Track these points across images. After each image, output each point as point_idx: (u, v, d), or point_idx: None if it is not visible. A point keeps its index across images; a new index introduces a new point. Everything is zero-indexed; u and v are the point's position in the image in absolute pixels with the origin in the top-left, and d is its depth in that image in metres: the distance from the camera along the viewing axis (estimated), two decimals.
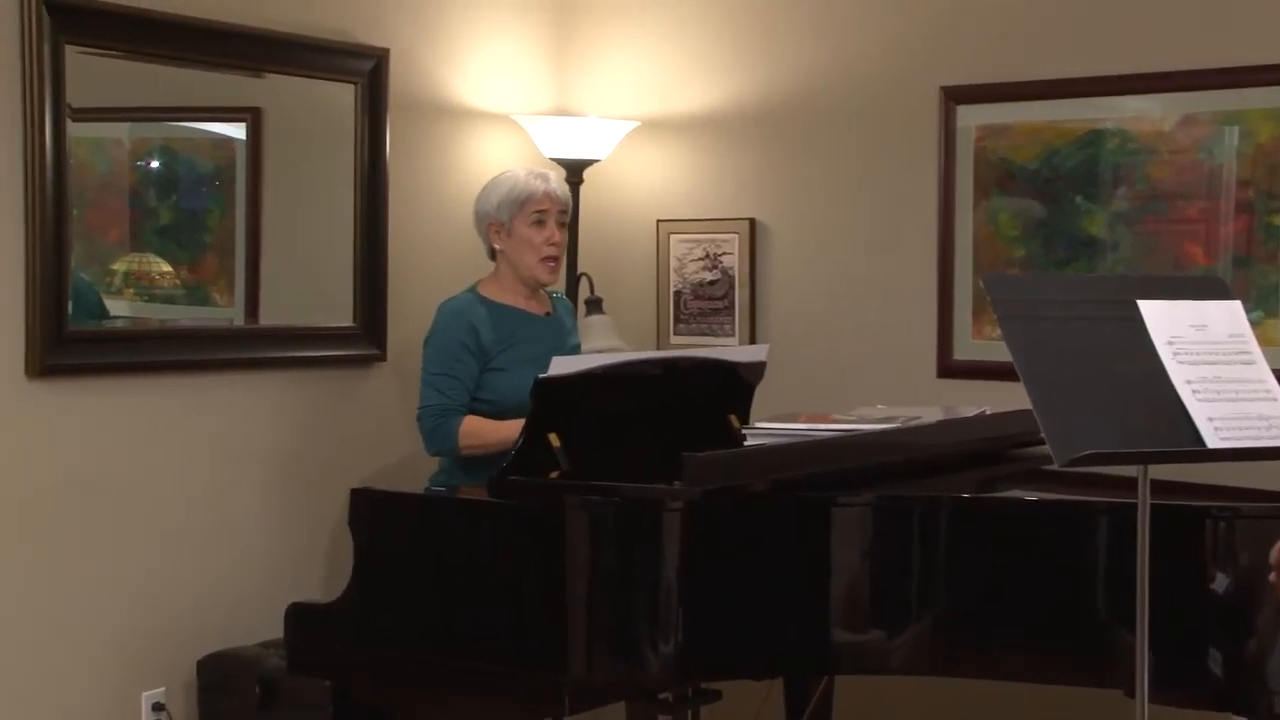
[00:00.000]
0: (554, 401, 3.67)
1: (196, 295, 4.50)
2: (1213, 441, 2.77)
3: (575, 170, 5.09)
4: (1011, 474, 4.07)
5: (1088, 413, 2.77)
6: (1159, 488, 2.95)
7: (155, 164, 4.49)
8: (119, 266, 4.35)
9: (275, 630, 3.99)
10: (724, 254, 5.19)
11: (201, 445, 4.45)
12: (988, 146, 4.73)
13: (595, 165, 5.20)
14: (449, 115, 5.11)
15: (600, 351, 4.67)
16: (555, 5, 5.44)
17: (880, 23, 4.93)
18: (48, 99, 4.00)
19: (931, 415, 4.16)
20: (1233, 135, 4.37)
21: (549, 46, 5.44)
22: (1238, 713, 3.41)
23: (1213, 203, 4.41)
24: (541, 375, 3.69)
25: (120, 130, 4.38)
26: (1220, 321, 2.97)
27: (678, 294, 5.30)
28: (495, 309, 4.28)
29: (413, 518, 3.81)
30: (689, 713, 3.98)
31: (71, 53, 4.05)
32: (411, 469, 4.64)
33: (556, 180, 4.36)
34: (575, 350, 4.48)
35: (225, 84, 4.51)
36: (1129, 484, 2.95)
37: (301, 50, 4.62)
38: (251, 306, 4.60)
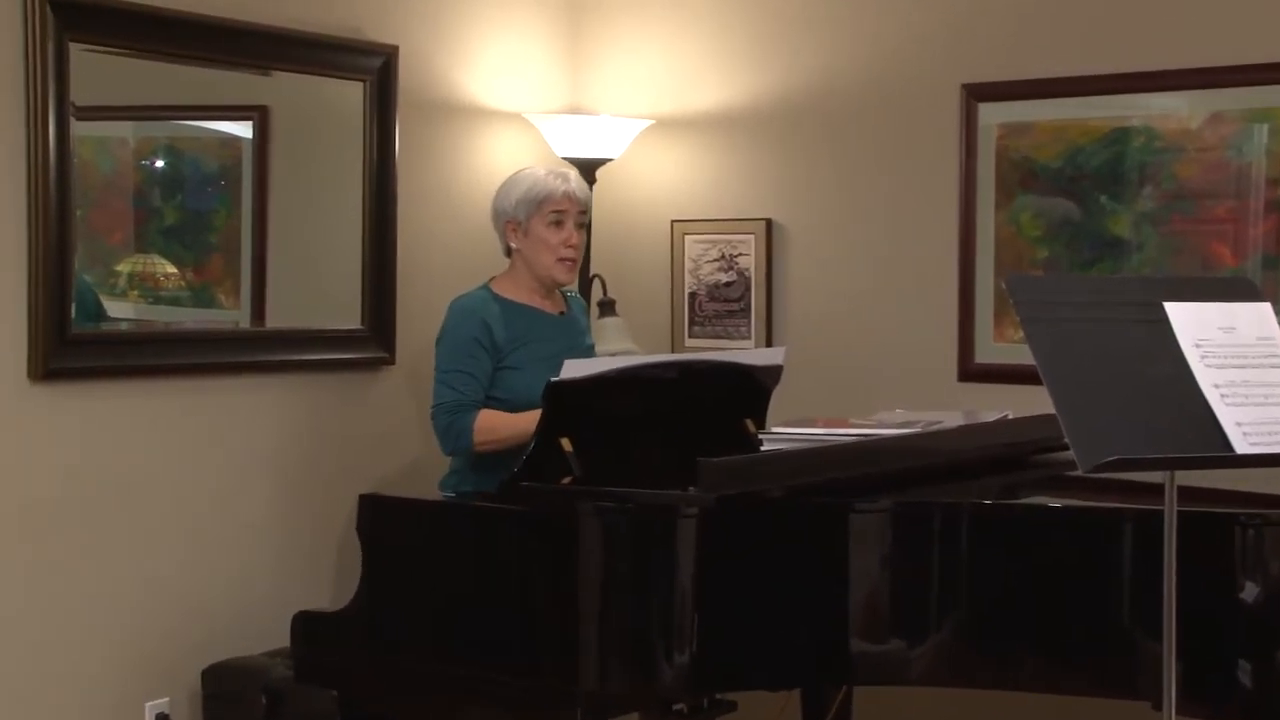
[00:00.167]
0: (566, 405, 3.67)
1: (202, 297, 4.49)
2: (1241, 447, 2.75)
3: (588, 170, 5.07)
4: (1034, 480, 4.04)
5: (1113, 417, 2.75)
6: (1185, 494, 2.93)
7: (160, 163, 4.49)
8: (123, 268, 4.34)
9: (282, 639, 4.00)
10: (740, 255, 5.18)
11: (206, 450, 4.43)
12: (1010, 145, 4.73)
13: (608, 164, 5.19)
14: (460, 114, 5.11)
15: (613, 354, 4.67)
16: (568, 1, 5.45)
17: (900, 18, 4.92)
18: (51, 97, 3.99)
19: (952, 420, 4.14)
20: (1262, 133, 4.36)
21: (561, 43, 5.43)
22: None
23: (1241, 202, 4.40)
24: (554, 378, 3.69)
25: (125, 129, 4.38)
26: (1249, 324, 2.94)
27: (692, 296, 5.29)
28: (509, 306, 4.25)
29: (422, 524, 3.81)
30: None
31: (75, 50, 4.04)
32: (421, 474, 4.64)
33: (577, 180, 4.34)
34: (590, 350, 4.47)
35: (232, 82, 4.51)
36: (1155, 490, 2.92)
37: (309, 48, 4.61)
38: (258, 309, 4.59)
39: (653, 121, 5.27)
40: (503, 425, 4.08)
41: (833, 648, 3.46)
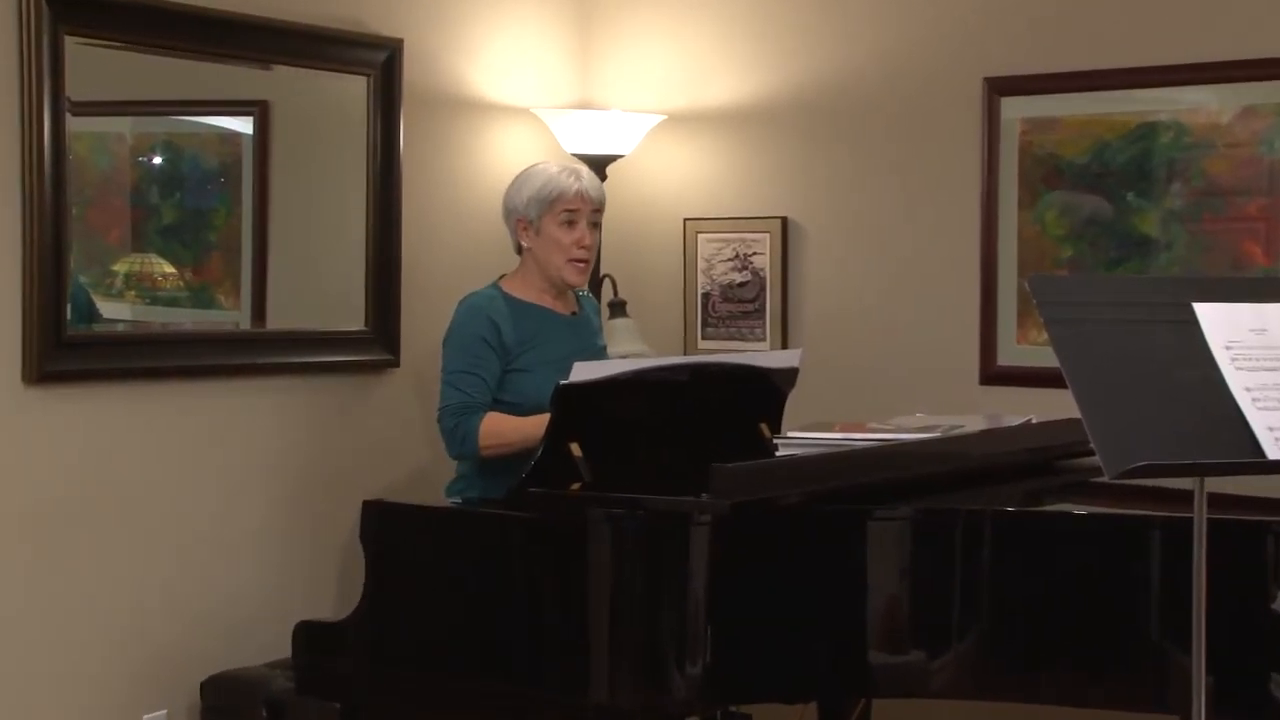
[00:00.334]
0: (576, 409, 3.64)
1: (201, 298, 4.48)
2: (1274, 453, 2.69)
3: (599, 166, 5.04)
4: (1059, 486, 4.04)
5: (1140, 422, 2.71)
6: (1215, 501, 2.88)
7: (158, 160, 4.48)
8: (120, 268, 4.34)
9: (283, 649, 3.97)
10: (754, 254, 5.16)
11: (205, 455, 4.42)
12: (1033, 141, 4.73)
13: (619, 161, 5.18)
14: (466, 109, 5.10)
15: (624, 356, 4.66)
16: None
17: (919, 10, 4.92)
18: (46, 92, 3.98)
19: (974, 424, 4.12)
20: None
21: (571, 36, 5.44)
22: None
23: (1273, 199, 4.40)
24: (563, 381, 3.66)
25: (122, 125, 4.37)
26: None
27: (706, 296, 5.28)
28: (518, 306, 4.21)
29: (427, 531, 3.78)
30: None
31: (71, 44, 4.04)
32: (426, 480, 4.64)
33: (591, 178, 4.31)
34: (602, 352, 4.46)
35: (231, 76, 4.51)
36: (1184, 497, 2.88)
37: (311, 41, 4.60)
38: (258, 309, 4.58)
39: (665, 117, 5.25)
40: (509, 430, 4.04)
41: (850, 659, 3.44)
